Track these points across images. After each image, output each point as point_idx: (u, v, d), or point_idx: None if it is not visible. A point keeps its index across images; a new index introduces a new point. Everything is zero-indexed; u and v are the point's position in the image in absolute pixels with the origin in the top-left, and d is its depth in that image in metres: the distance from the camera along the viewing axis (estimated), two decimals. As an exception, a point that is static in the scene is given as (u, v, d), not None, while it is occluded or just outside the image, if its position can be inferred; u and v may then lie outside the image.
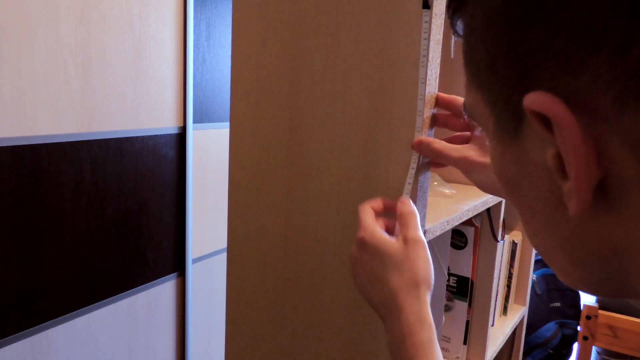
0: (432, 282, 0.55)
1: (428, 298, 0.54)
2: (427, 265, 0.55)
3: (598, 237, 0.26)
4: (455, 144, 0.64)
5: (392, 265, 0.54)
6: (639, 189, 0.24)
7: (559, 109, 0.24)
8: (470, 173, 0.60)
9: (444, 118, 0.66)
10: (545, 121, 0.25)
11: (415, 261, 0.54)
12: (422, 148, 0.61)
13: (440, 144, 0.60)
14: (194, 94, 1.78)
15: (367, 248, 0.56)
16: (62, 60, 1.35)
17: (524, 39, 0.25)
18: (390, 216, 0.61)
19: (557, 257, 0.30)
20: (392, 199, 0.64)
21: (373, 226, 0.57)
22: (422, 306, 0.53)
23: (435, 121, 0.65)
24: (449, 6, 0.32)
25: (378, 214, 0.60)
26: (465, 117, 0.62)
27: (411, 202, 0.60)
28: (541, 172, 0.27)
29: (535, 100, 0.24)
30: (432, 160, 0.64)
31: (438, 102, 0.64)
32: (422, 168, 0.63)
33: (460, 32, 0.31)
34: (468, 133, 0.65)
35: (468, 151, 0.60)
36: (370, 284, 0.55)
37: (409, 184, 0.62)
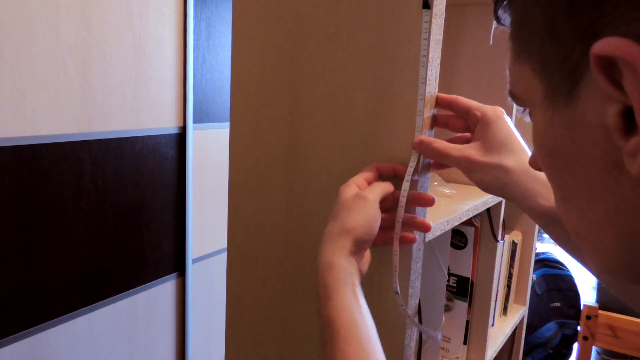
0: (362, 234, 0.56)
1: (348, 245, 0.56)
2: (358, 217, 0.57)
3: None
4: (457, 144, 0.64)
5: (333, 212, 0.59)
6: None
7: (633, 50, 0.23)
8: (471, 172, 0.60)
9: (445, 119, 0.66)
10: (611, 73, 0.24)
11: (350, 211, 0.57)
12: (422, 148, 0.61)
13: (441, 144, 0.60)
14: (194, 94, 1.78)
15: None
16: (62, 60, 1.35)
17: None
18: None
19: (600, 234, 0.29)
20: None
21: (352, 180, 0.61)
22: (335, 252, 0.55)
23: (435, 122, 0.65)
24: None
25: (383, 173, 0.64)
26: (479, 120, 0.62)
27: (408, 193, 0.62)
28: (598, 135, 0.26)
29: (607, 44, 0.23)
30: (433, 160, 0.64)
31: (439, 103, 0.64)
32: (422, 168, 0.63)
33: (504, 18, 0.31)
34: (468, 134, 0.65)
35: (469, 150, 0.60)
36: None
37: (407, 182, 0.61)
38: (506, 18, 0.33)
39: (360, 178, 0.61)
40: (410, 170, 0.62)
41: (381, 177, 0.63)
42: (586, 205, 0.29)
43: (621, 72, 0.24)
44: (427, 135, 0.63)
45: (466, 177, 0.62)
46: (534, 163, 0.35)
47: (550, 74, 0.28)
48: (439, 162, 0.64)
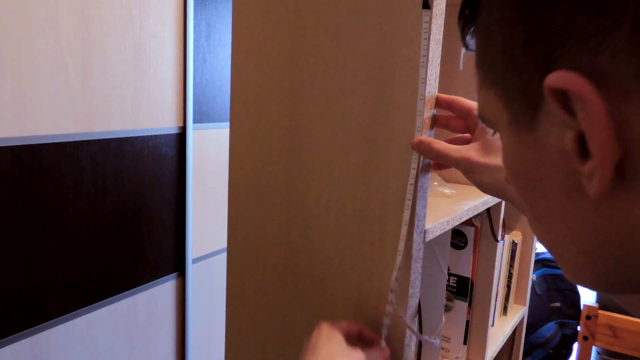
0: None
1: None
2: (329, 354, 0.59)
3: (614, 222, 0.27)
4: (457, 144, 0.64)
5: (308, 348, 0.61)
6: None
7: (582, 84, 0.24)
8: (471, 173, 0.60)
9: (445, 119, 0.66)
10: (565, 103, 0.25)
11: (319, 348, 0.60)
12: (422, 148, 0.61)
13: (440, 144, 0.61)
14: (194, 94, 1.78)
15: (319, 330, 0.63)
16: (62, 60, 1.35)
17: (543, 24, 0.26)
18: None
19: (569, 250, 0.30)
20: (391, 199, 0.64)
21: (333, 324, 0.63)
22: None
23: (435, 122, 0.65)
24: (460, 17, 0.32)
25: (348, 334, 0.64)
26: (480, 122, 0.62)
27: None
28: (558, 159, 0.28)
29: (558, 78, 0.25)
30: (432, 161, 0.65)
31: (439, 103, 0.64)
32: (422, 169, 0.63)
33: (471, 44, 0.32)
34: (468, 135, 0.65)
35: (468, 151, 0.60)
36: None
37: (411, 184, 0.62)
38: (473, 44, 0.33)
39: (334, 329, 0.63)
40: (412, 172, 0.62)
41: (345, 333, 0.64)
42: (555, 224, 0.30)
43: (573, 103, 0.25)
44: (426, 136, 0.63)
45: (466, 178, 0.62)
46: (507, 180, 0.37)
47: (513, 101, 0.29)
48: (443, 164, 0.64)
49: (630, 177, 0.25)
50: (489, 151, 0.60)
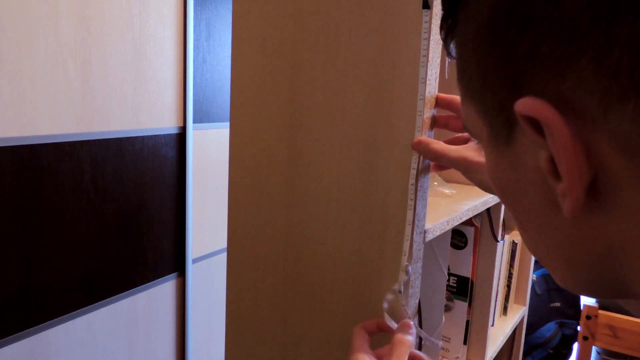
0: None
1: None
2: None
3: (592, 237, 0.27)
4: (456, 144, 0.64)
5: None
6: (629, 186, 0.24)
7: (547, 113, 0.24)
8: (470, 173, 0.61)
9: (444, 119, 0.66)
10: (536, 125, 0.26)
11: None
12: (421, 148, 0.61)
13: (438, 145, 0.61)
14: (194, 94, 1.78)
15: None
16: (62, 61, 1.35)
17: (511, 49, 0.26)
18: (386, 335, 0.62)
19: (554, 261, 0.31)
20: (391, 199, 0.64)
21: (364, 349, 0.58)
22: None
23: (435, 122, 0.65)
24: (441, 28, 0.33)
25: (371, 333, 0.62)
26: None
27: (413, 327, 0.60)
28: (535, 176, 0.28)
29: (525, 105, 0.25)
30: (431, 161, 0.65)
31: (438, 103, 0.64)
32: (422, 169, 0.63)
33: (454, 52, 0.32)
34: (467, 134, 0.65)
35: (466, 151, 0.60)
36: None
37: (412, 184, 0.62)
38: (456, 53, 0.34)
39: (362, 343, 0.60)
40: (413, 172, 0.62)
41: (368, 334, 0.62)
42: (539, 237, 0.31)
43: (542, 127, 0.25)
44: (426, 136, 0.63)
45: (465, 177, 0.62)
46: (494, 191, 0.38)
47: (490, 118, 0.30)
48: (441, 164, 0.64)
49: (603, 196, 0.25)
50: None
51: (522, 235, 0.33)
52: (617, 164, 0.24)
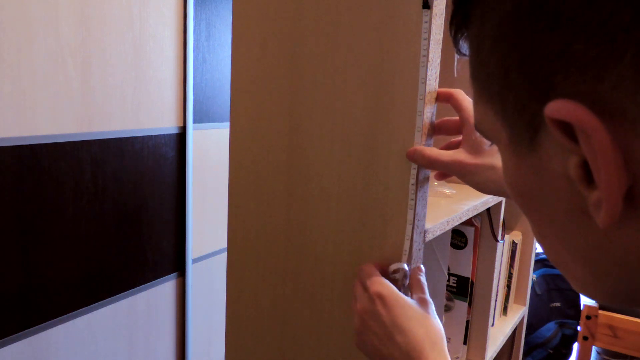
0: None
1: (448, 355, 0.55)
2: (441, 326, 0.57)
3: (623, 247, 0.25)
4: (451, 148, 0.64)
5: (416, 318, 0.55)
6: None
7: (585, 116, 0.23)
8: (465, 176, 0.60)
9: (438, 125, 0.66)
10: (567, 130, 0.24)
11: (434, 319, 0.56)
12: (415, 156, 0.61)
13: (431, 151, 0.60)
14: (194, 94, 1.78)
15: (385, 301, 0.56)
16: (62, 61, 1.35)
17: (539, 47, 0.24)
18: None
19: (576, 269, 0.29)
20: (392, 199, 0.64)
21: (387, 281, 0.59)
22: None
23: (434, 129, 0.65)
24: (451, 22, 0.31)
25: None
26: (467, 121, 0.62)
27: (423, 270, 0.63)
28: (561, 183, 0.26)
29: (558, 108, 0.23)
30: (427, 169, 0.64)
31: (438, 96, 0.64)
32: (422, 169, 0.63)
33: (464, 49, 0.30)
34: (460, 139, 0.65)
35: (458, 154, 0.60)
36: (389, 337, 0.55)
37: (413, 184, 0.62)
38: (466, 49, 0.31)
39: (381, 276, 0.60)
40: (413, 172, 0.62)
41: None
42: (560, 244, 0.29)
43: (576, 132, 0.24)
44: (427, 141, 0.63)
45: (461, 180, 0.62)
46: (509, 195, 0.36)
47: (512, 120, 0.28)
48: (435, 169, 0.64)
49: (639, 204, 0.24)
50: (478, 151, 0.59)
51: (540, 242, 0.31)
52: None
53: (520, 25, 0.25)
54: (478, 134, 0.60)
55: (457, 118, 0.65)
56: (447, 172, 0.63)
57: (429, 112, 0.62)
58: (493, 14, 0.27)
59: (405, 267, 0.63)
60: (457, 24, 0.30)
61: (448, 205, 0.81)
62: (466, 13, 0.29)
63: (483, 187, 0.60)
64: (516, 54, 0.25)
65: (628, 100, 0.22)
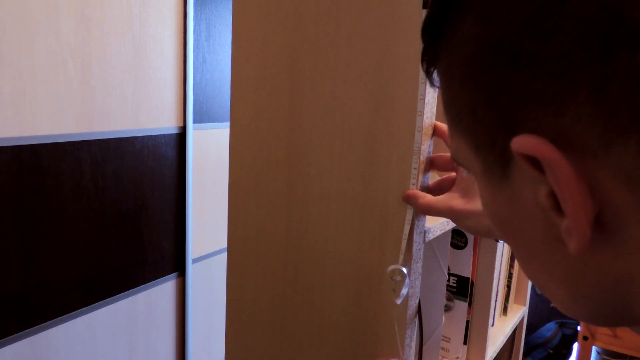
0: None
1: None
2: None
3: (599, 271, 0.26)
4: (444, 186, 0.65)
5: None
6: (636, 220, 0.24)
7: (547, 150, 0.24)
8: (458, 221, 0.61)
9: (431, 159, 0.66)
10: (534, 162, 0.25)
11: None
12: (411, 202, 0.62)
13: (425, 199, 0.61)
14: (194, 94, 1.78)
15: None
16: (62, 60, 1.35)
17: (503, 85, 0.25)
18: None
19: (558, 292, 0.30)
20: (393, 198, 0.64)
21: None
22: None
23: (429, 165, 0.65)
24: (422, 59, 0.32)
25: None
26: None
27: None
28: (535, 211, 0.27)
29: (523, 143, 0.24)
30: (421, 214, 0.65)
31: (435, 131, 0.64)
32: (422, 169, 0.63)
33: (437, 82, 0.31)
34: (454, 175, 0.65)
35: (452, 201, 0.61)
36: None
37: (413, 184, 0.62)
38: (439, 81, 0.32)
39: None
40: (413, 172, 0.62)
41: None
42: (540, 269, 0.30)
43: (542, 164, 0.24)
44: (426, 147, 0.63)
45: (456, 225, 0.63)
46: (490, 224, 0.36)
47: (483, 153, 0.29)
48: (430, 215, 0.64)
49: (609, 230, 0.25)
50: (471, 196, 0.60)
51: (522, 266, 0.32)
52: (623, 198, 0.23)
53: (483, 66, 0.26)
54: (468, 180, 0.60)
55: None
56: (442, 217, 0.64)
57: (429, 113, 0.62)
58: (458, 54, 0.28)
59: (403, 269, 0.63)
60: (428, 60, 0.31)
61: (448, 205, 0.81)
62: (435, 51, 0.30)
63: (474, 231, 0.61)
64: (482, 92, 0.26)
65: (587, 134, 0.23)
